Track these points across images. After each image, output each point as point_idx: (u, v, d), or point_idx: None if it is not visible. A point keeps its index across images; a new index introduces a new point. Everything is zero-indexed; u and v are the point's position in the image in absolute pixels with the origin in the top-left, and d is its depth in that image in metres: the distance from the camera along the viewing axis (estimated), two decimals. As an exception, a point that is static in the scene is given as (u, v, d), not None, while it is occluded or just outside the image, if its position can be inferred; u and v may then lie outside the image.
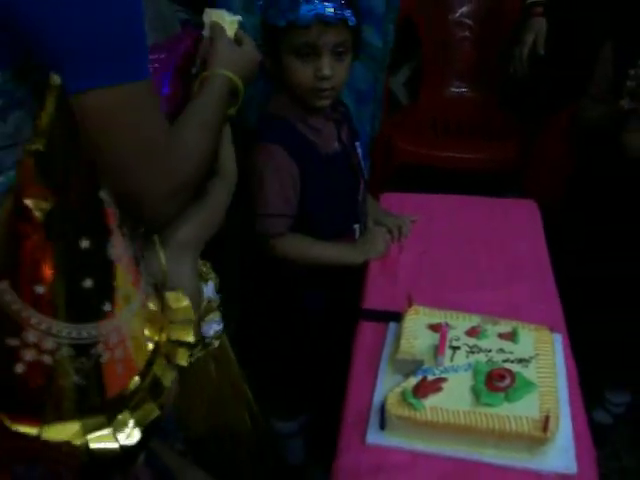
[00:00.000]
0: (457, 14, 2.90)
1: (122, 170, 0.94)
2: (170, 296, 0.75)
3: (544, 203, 1.89)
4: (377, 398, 1.27)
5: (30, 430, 0.61)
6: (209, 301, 1.32)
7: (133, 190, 0.95)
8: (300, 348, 1.73)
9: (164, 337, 0.69)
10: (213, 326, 1.32)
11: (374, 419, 1.24)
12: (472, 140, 2.75)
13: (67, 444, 0.61)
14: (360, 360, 1.39)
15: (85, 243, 0.59)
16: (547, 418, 1.15)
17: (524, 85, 2.74)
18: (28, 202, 0.56)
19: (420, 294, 1.48)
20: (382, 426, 1.22)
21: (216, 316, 1.33)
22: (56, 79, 0.58)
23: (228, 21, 1.38)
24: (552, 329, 1.37)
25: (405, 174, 2.71)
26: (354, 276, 1.63)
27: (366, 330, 1.46)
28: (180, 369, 0.85)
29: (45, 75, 0.67)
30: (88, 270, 0.60)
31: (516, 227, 1.76)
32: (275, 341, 1.76)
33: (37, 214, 0.56)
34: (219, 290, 1.34)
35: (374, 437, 1.22)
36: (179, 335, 0.71)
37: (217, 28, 1.31)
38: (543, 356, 1.30)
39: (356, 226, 1.69)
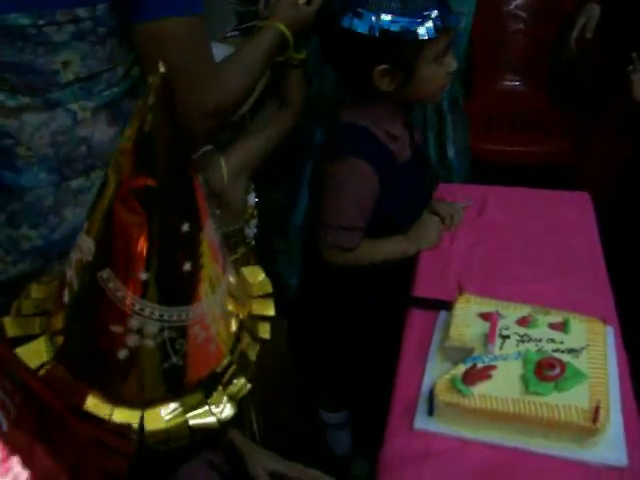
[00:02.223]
0: (511, 6, 2.88)
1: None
2: (247, 271, 0.77)
3: (599, 196, 1.88)
4: (426, 385, 1.27)
5: (130, 416, 0.62)
6: (253, 209, 1.68)
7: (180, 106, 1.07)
8: (352, 342, 1.73)
9: (246, 312, 0.70)
10: (253, 229, 1.69)
11: (422, 405, 1.24)
12: (526, 134, 2.74)
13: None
14: (410, 347, 1.39)
15: (185, 227, 0.60)
16: (597, 409, 1.14)
17: (578, 77, 2.73)
18: (131, 191, 0.57)
19: (470, 284, 1.49)
20: (430, 412, 1.23)
21: (255, 222, 1.69)
22: (162, 68, 0.60)
23: None
24: (604, 321, 1.35)
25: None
26: (405, 268, 1.63)
27: (416, 318, 1.47)
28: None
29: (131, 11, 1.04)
30: (188, 254, 0.61)
31: (569, 219, 1.74)
32: (327, 336, 1.77)
33: (139, 200, 0.58)
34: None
35: (422, 423, 1.22)
36: (261, 309, 0.73)
37: None
38: (594, 347, 1.29)
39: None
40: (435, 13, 1.42)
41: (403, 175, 1.59)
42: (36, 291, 0.70)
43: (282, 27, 1.52)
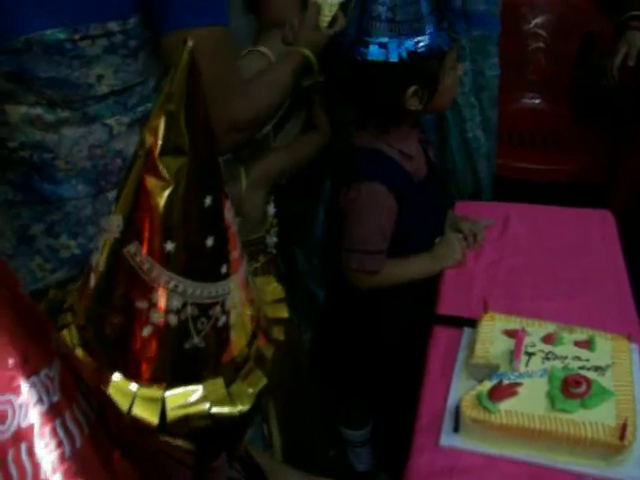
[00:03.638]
0: (531, 25, 2.89)
1: None
2: (259, 280, 0.78)
3: (623, 214, 1.88)
4: (451, 401, 1.29)
5: (155, 393, 0.63)
6: (272, 218, 1.68)
7: None
8: (377, 358, 1.74)
9: (261, 314, 0.71)
10: (273, 238, 1.69)
11: (448, 422, 1.25)
12: (547, 151, 2.74)
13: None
14: (434, 365, 1.41)
15: (208, 200, 0.61)
16: (624, 426, 1.15)
17: (605, 96, 2.73)
18: (159, 160, 0.59)
19: (494, 302, 1.50)
20: (456, 429, 1.23)
21: (276, 231, 1.69)
22: (190, 43, 0.62)
23: (329, 3, 1.63)
24: (629, 338, 1.36)
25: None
26: (429, 285, 1.64)
27: (440, 335, 1.48)
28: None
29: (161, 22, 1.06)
30: (210, 229, 0.62)
31: (592, 237, 1.75)
32: (352, 351, 1.78)
33: (167, 172, 0.59)
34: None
35: (448, 439, 1.23)
36: (275, 312, 0.74)
37: (313, 8, 1.57)
38: (620, 365, 1.29)
39: (438, 239, 1.70)
40: (446, 24, 1.48)
41: (421, 193, 1.62)
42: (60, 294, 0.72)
43: (307, 52, 1.55)
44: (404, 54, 1.44)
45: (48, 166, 1.21)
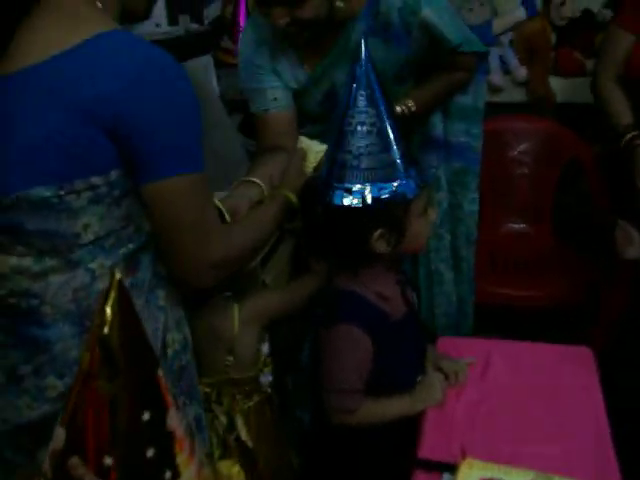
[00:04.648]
0: (515, 152, 2.98)
1: (179, 243, 1.28)
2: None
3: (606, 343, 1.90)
4: None
5: None
6: (266, 358, 1.75)
7: (185, 259, 1.30)
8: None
9: None
10: (267, 377, 1.76)
11: None
12: (531, 277, 2.79)
13: None
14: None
15: (147, 415, 0.65)
16: None
17: (588, 222, 2.80)
18: (96, 380, 0.62)
19: (474, 444, 1.53)
20: None
21: (270, 369, 1.76)
22: (117, 274, 0.67)
23: (314, 150, 1.76)
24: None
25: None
26: (411, 424, 1.66)
27: (421, 478, 1.48)
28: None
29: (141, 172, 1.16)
30: (151, 440, 0.65)
31: (572, 376, 1.76)
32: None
33: (104, 391, 0.63)
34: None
35: None
36: None
37: (299, 154, 1.69)
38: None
39: (419, 378, 1.72)
40: (413, 172, 1.55)
41: (398, 333, 1.65)
42: None
43: (291, 196, 1.63)
44: (368, 200, 1.50)
45: (35, 311, 1.26)
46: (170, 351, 1.41)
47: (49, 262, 1.24)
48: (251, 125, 2.87)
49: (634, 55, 2.30)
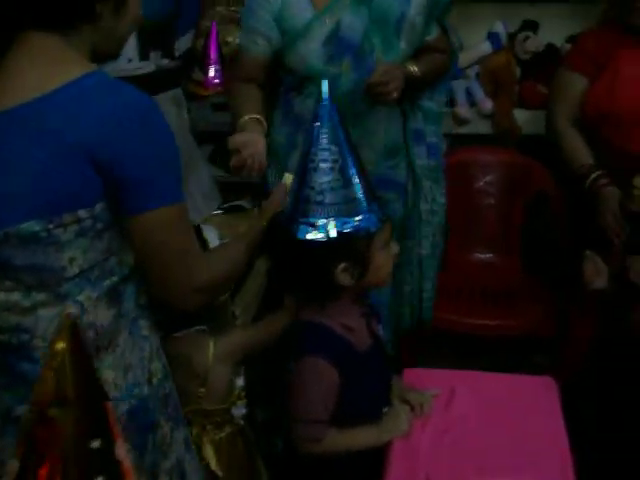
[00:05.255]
0: (481, 183, 3.03)
1: (165, 271, 1.33)
2: None
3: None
4: None
5: None
6: (240, 391, 1.79)
7: (171, 285, 1.35)
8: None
9: None
10: (241, 410, 1.79)
11: None
12: (498, 306, 2.81)
13: None
14: None
15: (96, 443, 0.67)
16: None
17: (554, 252, 2.85)
18: (48, 412, 0.65)
19: (440, 475, 1.57)
20: None
21: (243, 402, 1.79)
22: (71, 315, 0.70)
23: None
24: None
25: (436, 340, 2.80)
26: (376, 456, 1.68)
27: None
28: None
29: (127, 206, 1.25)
30: (100, 468, 0.68)
31: (534, 406, 1.79)
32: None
33: (56, 422, 0.65)
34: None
35: None
36: None
37: (280, 188, 1.71)
38: None
39: (385, 409, 1.74)
40: (375, 207, 1.59)
41: (364, 364, 1.67)
42: None
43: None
44: (332, 234, 1.54)
45: (26, 347, 1.29)
46: (155, 380, 1.44)
47: (37, 296, 1.27)
48: (222, 155, 2.91)
49: (587, 97, 2.35)
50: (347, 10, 2.07)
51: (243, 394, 1.82)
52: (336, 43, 2.08)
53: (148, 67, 2.47)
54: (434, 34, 2.26)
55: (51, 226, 1.22)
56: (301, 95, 2.16)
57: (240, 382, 1.82)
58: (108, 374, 1.35)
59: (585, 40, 2.45)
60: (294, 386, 1.65)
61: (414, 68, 2.16)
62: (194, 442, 1.69)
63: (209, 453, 1.73)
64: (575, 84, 2.40)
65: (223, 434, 1.77)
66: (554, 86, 2.56)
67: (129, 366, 1.38)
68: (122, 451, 0.71)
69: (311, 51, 2.09)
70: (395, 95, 2.05)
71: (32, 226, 1.21)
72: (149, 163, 1.26)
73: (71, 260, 1.26)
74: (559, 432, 1.71)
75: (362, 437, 1.69)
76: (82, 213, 1.24)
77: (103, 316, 1.33)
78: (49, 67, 1.24)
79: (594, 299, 2.13)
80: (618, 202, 2.24)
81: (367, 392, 1.70)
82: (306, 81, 2.13)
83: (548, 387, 1.88)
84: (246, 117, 2.06)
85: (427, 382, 1.87)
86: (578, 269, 2.08)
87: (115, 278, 1.34)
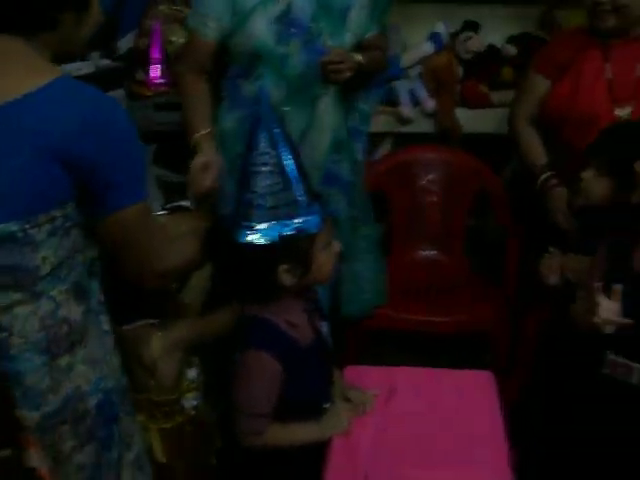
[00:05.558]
0: (424, 181, 3.07)
1: (133, 258, 1.43)
2: None
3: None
4: None
5: None
6: (191, 382, 1.86)
7: (140, 271, 1.47)
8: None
9: None
10: (191, 402, 1.86)
11: None
12: (442, 304, 2.84)
13: None
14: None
15: (5, 452, 0.68)
16: None
17: (496, 249, 2.91)
18: None
19: (379, 471, 1.60)
20: None
21: (194, 394, 1.87)
22: None
23: None
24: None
25: (380, 338, 2.83)
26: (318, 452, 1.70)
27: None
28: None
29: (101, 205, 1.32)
30: (9, 476, 0.69)
31: (473, 400, 1.84)
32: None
33: None
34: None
35: None
36: None
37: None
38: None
39: (327, 405, 1.77)
40: (316, 208, 1.62)
41: (307, 360, 1.70)
42: None
43: None
44: (274, 237, 1.57)
45: (4, 344, 1.31)
46: (117, 373, 1.51)
47: (14, 296, 1.30)
48: (165, 155, 2.90)
49: (549, 99, 2.40)
50: None
51: (194, 385, 1.88)
52: (286, 23, 2.11)
53: (88, 68, 2.45)
54: (374, 31, 2.32)
55: (27, 226, 1.26)
56: (250, 78, 2.17)
57: (192, 373, 1.88)
58: (81, 369, 1.39)
59: (552, 43, 2.50)
60: (238, 379, 1.67)
61: (359, 57, 2.21)
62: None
63: (155, 441, 1.80)
64: (537, 86, 2.45)
65: (173, 423, 1.84)
66: (519, 87, 2.60)
67: (96, 361, 1.43)
68: (36, 459, 0.72)
69: (261, 30, 2.11)
70: (348, 75, 2.13)
71: (10, 227, 1.25)
72: (119, 164, 1.31)
73: (44, 259, 1.30)
74: (496, 426, 1.76)
75: (303, 432, 1.72)
76: (55, 212, 1.29)
77: (75, 311, 1.38)
78: (19, 71, 1.29)
79: (546, 296, 2.17)
80: (566, 202, 2.29)
81: (309, 387, 1.72)
82: (256, 62, 2.15)
83: (487, 382, 1.91)
84: (200, 133, 2.16)
85: (368, 379, 1.91)
86: (532, 265, 2.12)
87: (81, 274, 1.39)
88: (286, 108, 2.13)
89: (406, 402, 1.81)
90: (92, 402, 1.41)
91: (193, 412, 1.88)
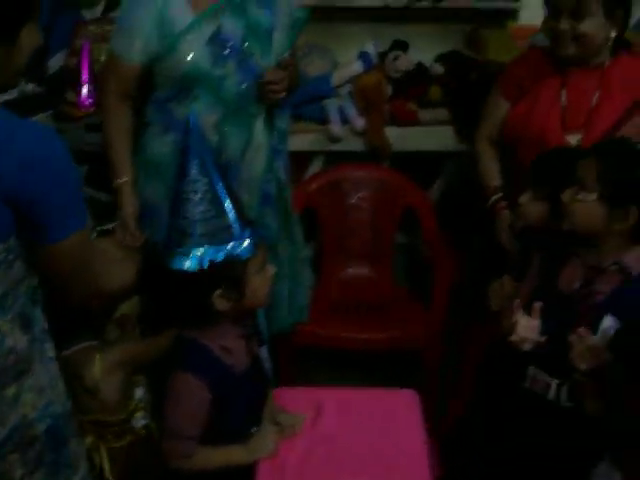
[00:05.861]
0: (354, 199, 3.10)
1: (81, 281, 1.46)
2: None
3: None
4: None
5: None
6: (139, 401, 1.91)
7: (85, 291, 1.50)
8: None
9: None
10: (140, 421, 1.90)
11: None
12: (371, 320, 2.86)
13: None
14: None
15: None
16: None
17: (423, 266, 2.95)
18: None
19: None
20: None
21: (143, 413, 1.91)
22: None
23: None
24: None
25: (309, 356, 2.83)
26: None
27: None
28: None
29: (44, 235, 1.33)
30: None
31: (398, 419, 1.88)
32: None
33: None
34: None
35: None
36: None
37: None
38: None
39: (254, 429, 1.78)
40: (248, 233, 1.65)
41: (239, 385, 1.72)
42: None
43: None
44: (205, 263, 1.59)
45: None
46: (62, 398, 1.51)
47: None
48: (96, 176, 2.87)
49: (507, 119, 2.44)
50: (225, 15, 2.10)
51: (142, 405, 1.92)
52: (219, 44, 2.10)
53: (9, 95, 2.39)
54: (290, 51, 2.32)
55: None
56: (185, 101, 2.13)
57: (139, 393, 1.92)
58: (28, 397, 1.40)
59: (514, 65, 2.53)
60: (167, 400, 1.68)
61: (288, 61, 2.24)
62: (88, 450, 1.74)
63: (104, 460, 1.82)
64: (498, 107, 2.48)
65: (124, 442, 1.87)
66: (482, 108, 2.64)
67: (43, 388, 1.43)
68: None
69: (195, 53, 2.09)
70: (283, 94, 2.17)
71: None
72: (59, 195, 1.32)
73: None
74: (418, 443, 1.79)
75: (230, 455, 1.73)
76: None
77: (20, 340, 1.38)
78: None
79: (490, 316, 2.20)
80: (509, 224, 2.34)
81: (239, 412, 1.74)
82: (190, 84, 2.12)
83: (411, 400, 1.95)
84: (122, 180, 2.17)
85: (295, 400, 1.93)
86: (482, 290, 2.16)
87: (25, 303, 1.39)
88: (225, 128, 2.13)
89: (332, 423, 1.84)
90: (41, 428, 1.42)
91: (144, 431, 1.91)
